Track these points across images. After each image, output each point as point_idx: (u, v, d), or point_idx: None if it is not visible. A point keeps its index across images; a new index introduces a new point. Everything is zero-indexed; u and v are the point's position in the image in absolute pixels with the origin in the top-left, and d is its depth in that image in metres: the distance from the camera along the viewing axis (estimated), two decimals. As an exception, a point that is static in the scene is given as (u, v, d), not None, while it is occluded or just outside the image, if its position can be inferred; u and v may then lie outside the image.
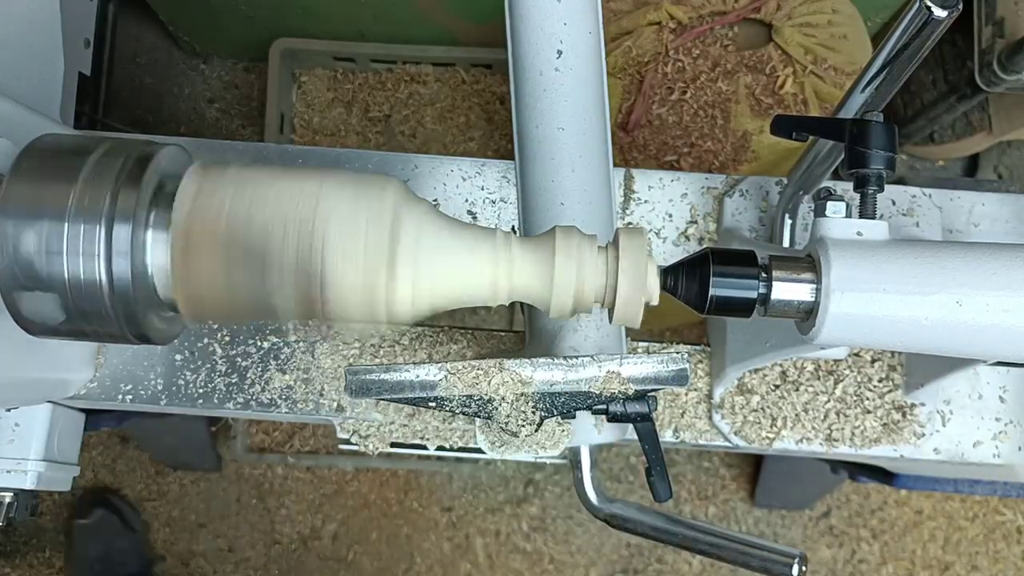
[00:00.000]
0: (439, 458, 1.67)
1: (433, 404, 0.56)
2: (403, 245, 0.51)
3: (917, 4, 0.53)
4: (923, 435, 0.83)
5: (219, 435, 1.67)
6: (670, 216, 0.87)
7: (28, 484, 0.85)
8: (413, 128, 1.65)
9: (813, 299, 0.55)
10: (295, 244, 0.50)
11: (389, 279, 0.50)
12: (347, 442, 0.85)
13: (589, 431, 0.68)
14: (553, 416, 0.56)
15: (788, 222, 0.80)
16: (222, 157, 0.87)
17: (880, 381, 0.83)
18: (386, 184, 0.52)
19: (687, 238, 0.86)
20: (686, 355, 0.58)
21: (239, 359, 0.84)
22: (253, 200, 0.50)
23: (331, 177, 0.52)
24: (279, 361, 0.84)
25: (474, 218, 0.86)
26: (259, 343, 0.84)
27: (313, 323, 0.84)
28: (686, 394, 0.84)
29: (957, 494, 1.62)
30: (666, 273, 0.55)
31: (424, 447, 0.89)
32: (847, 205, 0.58)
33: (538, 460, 1.48)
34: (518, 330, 0.89)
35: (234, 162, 0.54)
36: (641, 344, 0.86)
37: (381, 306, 0.51)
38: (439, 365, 0.54)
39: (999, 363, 0.84)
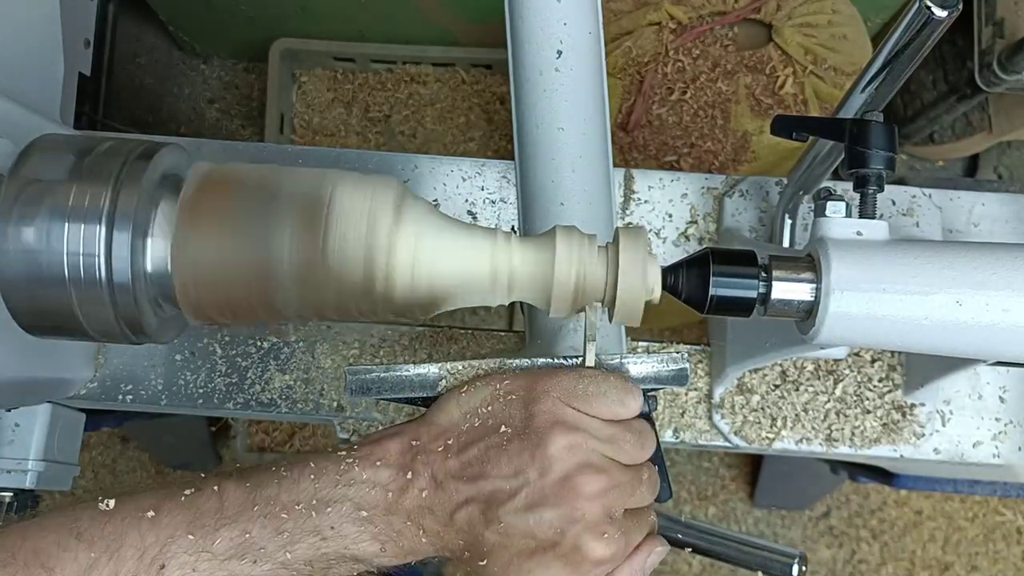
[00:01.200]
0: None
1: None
2: (405, 223, 0.51)
3: (917, 4, 0.53)
4: (923, 435, 0.83)
5: (219, 435, 1.67)
6: (670, 216, 0.87)
7: (28, 484, 0.85)
8: (413, 128, 1.65)
9: (813, 299, 0.55)
10: (303, 194, 0.50)
11: (391, 236, 0.50)
12: (347, 442, 0.85)
13: (589, 431, 0.68)
14: (553, 416, 0.55)
15: (788, 222, 0.80)
16: (222, 157, 0.87)
17: (880, 381, 0.83)
18: (389, 177, 0.52)
19: (687, 238, 0.87)
20: (686, 355, 0.58)
21: (239, 359, 0.84)
22: (263, 170, 0.52)
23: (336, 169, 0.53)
24: (279, 361, 0.84)
25: (474, 218, 0.86)
26: (259, 343, 0.84)
27: (313, 323, 0.84)
28: (686, 394, 0.84)
29: (957, 494, 1.62)
30: (666, 273, 0.55)
31: (424, 447, 0.89)
32: (847, 205, 0.58)
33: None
34: (518, 330, 0.89)
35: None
36: (641, 344, 0.86)
37: (381, 266, 0.50)
38: (439, 365, 0.55)
39: (999, 363, 0.84)
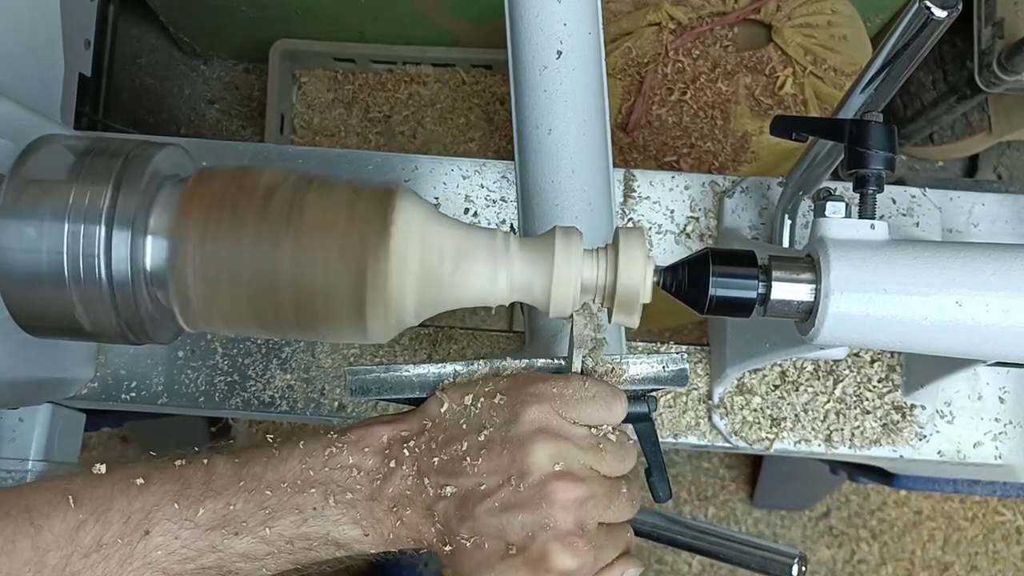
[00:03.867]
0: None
1: (433, 404, 0.56)
2: (407, 220, 0.50)
3: (917, 4, 0.53)
4: (923, 436, 0.83)
5: (219, 436, 1.67)
6: (671, 212, 0.87)
7: (28, 484, 0.85)
8: (413, 129, 1.65)
9: (812, 299, 0.55)
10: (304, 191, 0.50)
11: (392, 232, 0.49)
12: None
13: (589, 431, 0.68)
14: (553, 416, 0.55)
15: (787, 222, 0.80)
16: (222, 158, 0.87)
17: (880, 382, 0.83)
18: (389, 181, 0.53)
19: (687, 235, 0.87)
20: (686, 355, 0.58)
21: (240, 358, 0.84)
22: (258, 168, 0.52)
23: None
24: (280, 360, 0.84)
25: (475, 216, 0.86)
26: (260, 341, 0.84)
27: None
28: (686, 395, 0.84)
29: (956, 494, 1.62)
30: (666, 273, 0.55)
31: (424, 447, 0.89)
32: (847, 205, 0.58)
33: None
34: (518, 330, 0.90)
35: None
36: (641, 344, 0.86)
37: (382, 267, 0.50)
38: (439, 365, 0.55)
39: (999, 363, 0.84)
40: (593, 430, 0.51)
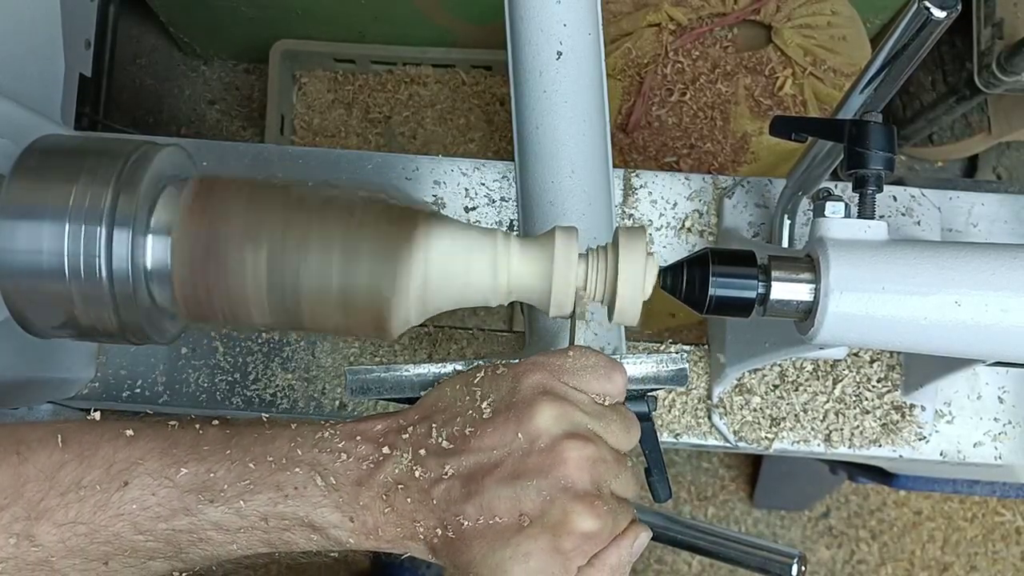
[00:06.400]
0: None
1: (433, 403, 0.56)
2: (417, 226, 0.51)
3: (916, 5, 0.53)
4: (922, 436, 0.83)
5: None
6: (674, 205, 0.87)
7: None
8: (413, 130, 1.65)
9: (812, 299, 0.55)
10: (311, 195, 0.51)
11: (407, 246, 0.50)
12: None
13: (589, 431, 0.68)
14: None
15: (787, 222, 0.80)
16: (222, 158, 0.87)
17: (879, 381, 0.84)
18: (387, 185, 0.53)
19: (688, 231, 0.87)
20: (685, 355, 0.59)
21: (241, 357, 0.84)
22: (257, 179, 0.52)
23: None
24: (281, 359, 0.84)
25: (475, 214, 0.87)
26: (261, 340, 0.84)
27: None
28: (686, 394, 0.85)
29: (956, 495, 1.62)
30: (665, 272, 0.55)
31: (424, 447, 0.89)
32: (846, 205, 0.58)
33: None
34: (518, 330, 0.90)
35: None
36: (641, 344, 0.86)
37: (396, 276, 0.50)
38: (439, 365, 0.55)
39: (998, 363, 0.84)
40: (596, 398, 0.51)
